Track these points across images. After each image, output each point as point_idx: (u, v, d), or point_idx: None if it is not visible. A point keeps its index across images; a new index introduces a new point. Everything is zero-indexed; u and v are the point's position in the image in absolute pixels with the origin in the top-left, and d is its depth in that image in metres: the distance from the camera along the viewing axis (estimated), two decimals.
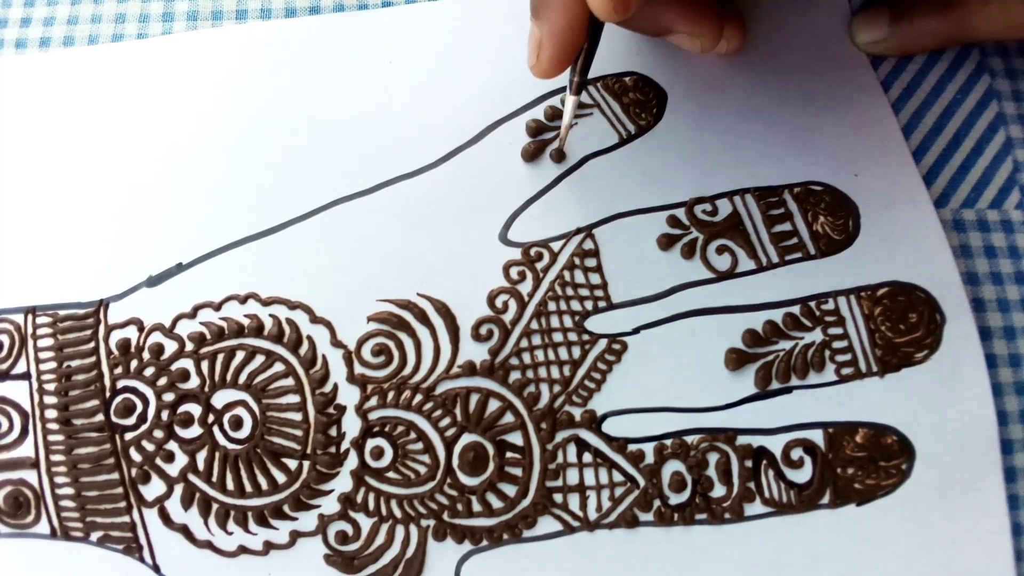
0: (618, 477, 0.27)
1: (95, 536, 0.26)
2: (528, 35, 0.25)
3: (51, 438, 0.26)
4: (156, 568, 0.26)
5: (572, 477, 0.27)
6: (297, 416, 0.26)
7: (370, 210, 0.28)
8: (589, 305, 0.27)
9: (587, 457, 0.27)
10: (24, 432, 0.26)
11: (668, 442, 0.27)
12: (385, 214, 0.28)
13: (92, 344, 0.27)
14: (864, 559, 0.26)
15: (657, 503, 0.26)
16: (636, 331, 0.27)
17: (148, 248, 0.28)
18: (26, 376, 0.27)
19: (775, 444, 0.27)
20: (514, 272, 0.28)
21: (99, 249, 0.28)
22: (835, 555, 0.26)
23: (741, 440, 0.27)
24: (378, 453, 0.26)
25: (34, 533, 0.26)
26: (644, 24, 0.28)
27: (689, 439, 0.27)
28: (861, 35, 0.30)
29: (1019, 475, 0.27)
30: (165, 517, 0.26)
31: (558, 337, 0.27)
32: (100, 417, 0.26)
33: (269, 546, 0.26)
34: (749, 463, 0.27)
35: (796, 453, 0.27)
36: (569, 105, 0.27)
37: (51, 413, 0.26)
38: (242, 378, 0.27)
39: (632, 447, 0.27)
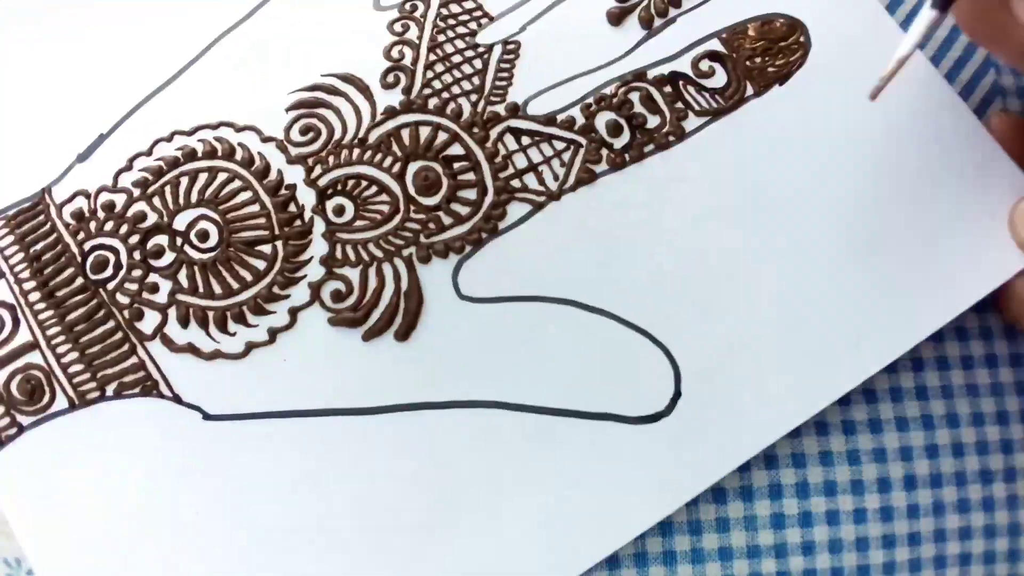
0: (560, 145, 0.28)
1: (111, 390, 0.27)
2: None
3: (41, 317, 0.27)
4: (177, 398, 0.27)
5: (520, 161, 0.28)
6: (255, 208, 0.28)
7: (252, 31, 0.30)
8: (474, 26, 0.29)
9: (525, 140, 0.28)
10: (16, 322, 0.27)
11: (589, 100, 0.28)
12: (267, 25, 0.30)
13: (48, 224, 0.28)
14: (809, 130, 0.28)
15: (604, 152, 0.28)
16: (523, 28, 0.29)
17: (68, 132, 0.29)
18: (1, 275, 0.28)
19: (682, 65, 0.29)
20: (398, 27, 0.30)
21: (25, 147, 0.29)
22: (786, 140, 0.27)
23: (652, 73, 0.29)
24: (339, 210, 0.28)
25: (54, 412, 0.27)
26: None
27: (606, 91, 0.29)
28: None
29: (1019, 475, 0.28)
30: (169, 342, 0.27)
31: (457, 59, 0.29)
32: (80, 280, 0.27)
33: (273, 332, 0.27)
34: (668, 88, 0.29)
35: (704, 64, 0.29)
36: (924, 21, 0.21)
37: (34, 296, 0.27)
38: (193, 197, 0.28)
39: (560, 116, 0.28)
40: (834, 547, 0.26)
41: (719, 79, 0.29)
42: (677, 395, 0.26)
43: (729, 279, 0.27)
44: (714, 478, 0.26)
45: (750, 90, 0.28)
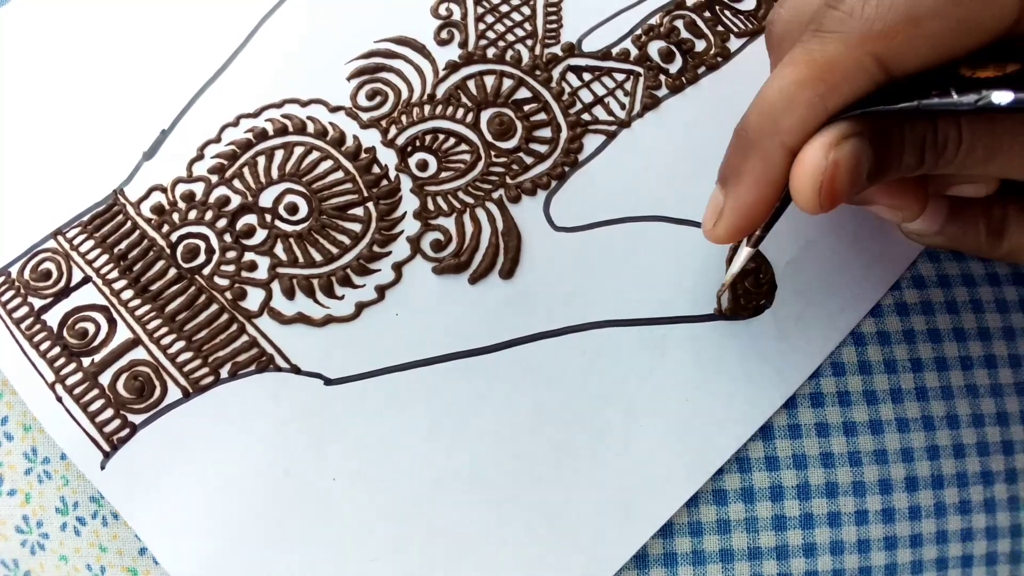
0: (620, 76, 0.30)
1: (225, 372, 0.26)
2: (711, 195, 0.24)
3: (139, 313, 0.27)
4: (295, 368, 0.26)
5: (586, 96, 0.29)
6: (339, 175, 0.28)
7: (295, 9, 0.30)
8: None
9: (586, 76, 0.30)
10: (112, 323, 0.27)
11: (638, 31, 0.30)
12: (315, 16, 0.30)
13: (129, 223, 0.28)
14: None
15: (663, 77, 0.30)
16: None
17: (130, 133, 0.29)
18: (86, 280, 0.27)
19: None
20: None
21: (88, 152, 0.28)
22: None
23: (691, 0, 0.30)
24: (423, 165, 0.28)
25: (168, 405, 0.26)
26: None
27: (652, 21, 0.30)
28: (909, 223, 0.26)
29: (1019, 476, 0.28)
30: (277, 316, 0.27)
31: (505, 8, 0.30)
32: (173, 271, 0.27)
33: (381, 289, 0.27)
34: (707, 14, 0.30)
35: None
36: (743, 256, 0.25)
37: (127, 294, 0.27)
38: (274, 174, 0.28)
39: (615, 50, 0.30)
40: (835, 549, 0.26)
41: (749, 2, 0.31)
42: (774, 286, 0.28)
43: None
44: (822, 356, 0.27)
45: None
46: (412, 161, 0.28)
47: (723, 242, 0.24)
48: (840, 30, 0.20)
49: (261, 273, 0.27)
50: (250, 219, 0.28)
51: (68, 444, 0.25)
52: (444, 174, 0.28)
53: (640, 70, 0.30)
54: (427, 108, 0.29)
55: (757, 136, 0.22)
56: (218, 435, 0.26)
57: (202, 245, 0.27)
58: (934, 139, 0.21)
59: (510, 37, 0.30)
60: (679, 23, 0.30)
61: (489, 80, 0.29)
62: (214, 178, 0.28)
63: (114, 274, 0.27)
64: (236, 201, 0.28)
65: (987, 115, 0.21)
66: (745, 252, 0.25)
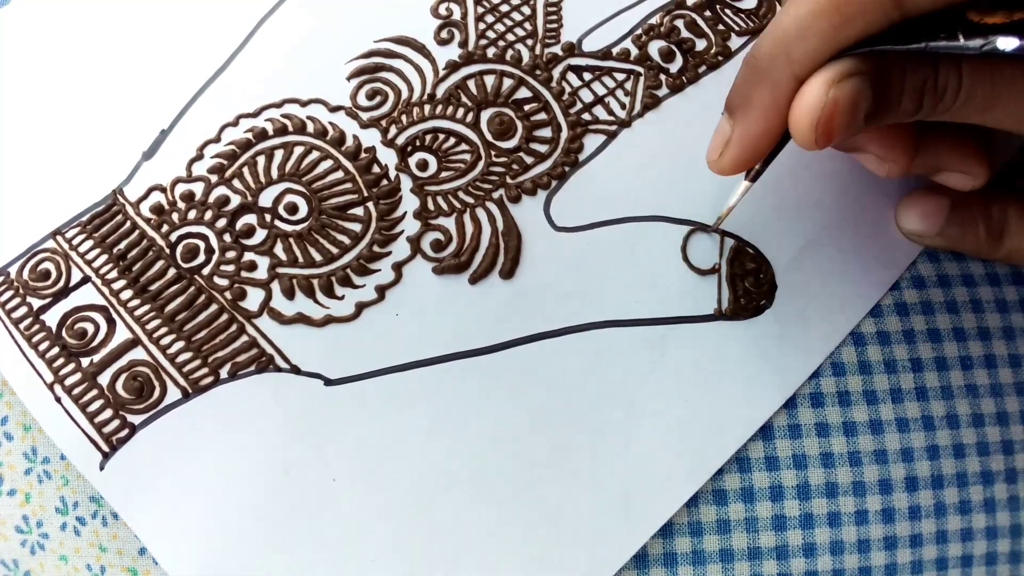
0: (620, 76, 0.30)
1: (225, 372, 0.26)
2: (717, 125, 0.24)
3: (138, 313, 0.27)
4: (295, 369, 0.26)
5: (586, 96, 0.29)
6: (339, 174, 0.28)
7: (294, 8, 0.30)
8: None
9: (587, 75, 0.30)
10: (111, 323, 0.26)
11: (639, 31, 0.30)
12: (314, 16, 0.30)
13: (128, 222, 0.27)
14: None
15: (663, 77, 0.29)
16: None
17: (129, 133, 0.29)
18: (86, 280, 0.27)
19: None
20: None
21: (87, 153, 0.28)
22: None
23: (691, 0, 0.30)
24: (423, 164, 0.28)
25: (167, 406, 0.26)
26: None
27: (652, 20, 0.30)
28: (908, 223, 0.27)
29: (1019, 476, 0.28)
30: (277, 316, 0.27)
31: (505, 7, 0.30)
32: (172, 271, 0.27)
33: (381, 289, 0.27)
34: (708, 13, 0.30)
35: None
36: (740, 190, 0.26)
37: (126, 294, 0.27)
38: (274, 174, 0.28)
39: (615, 50, 0.30)
40: (835, 549, 0.26)
41: (750, 0, 0.31)
42: (774, 287, 0.28)
43: (793, 176, 0.29)
44: (822, 356, 0.27)
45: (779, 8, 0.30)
46: (412, 161, 0.28)
47: (727, 173, 0.24)
48: None
49: (261, 273, 0.27)
50: (250, 219, 0.28)
51: (67, 445, 0.25)
52: (444, 174, 0.28)
53: (640, 70, 0.30)
54: (427, 108, 0.29)
55: (768, 64, 0.22)
56: (218, 436, 0.26)
57: (202, 245, 0.27)
58: (934, 84, 0.21)
59: (510, 37, 0.30)
60: (679, 22, 0.30)
61: (489, 80, 0.29)
62: (214, 178, 0.28)
63: (113, 274, 0.27)
64: (236, 201, 0.28)
65: (988, 64, 0.21)
66: (743, 186, 0.25)
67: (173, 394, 0.26)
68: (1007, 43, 0.19)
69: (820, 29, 0.20)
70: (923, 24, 0.20)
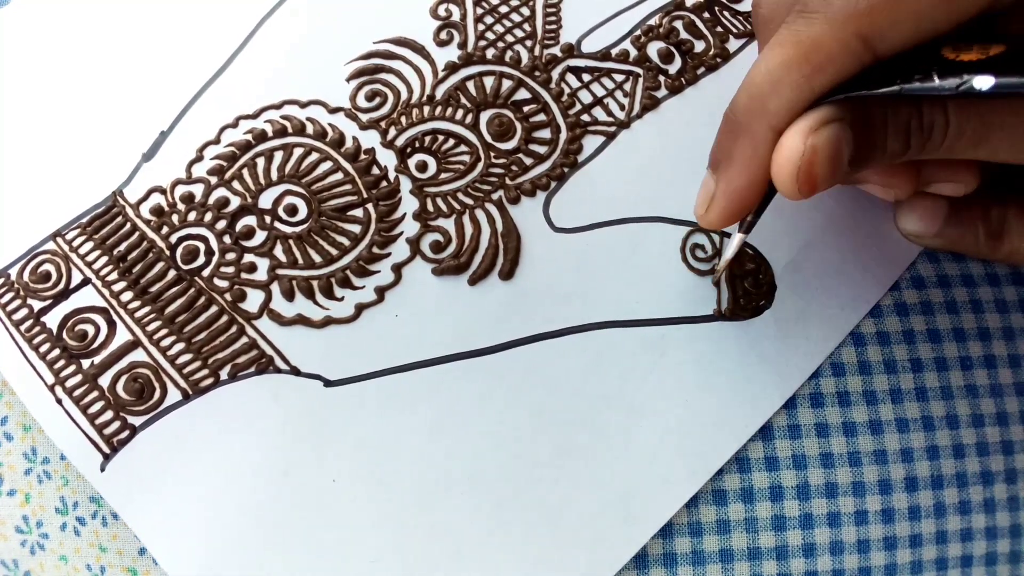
0: (619, 77, 0.30)
1: (225, 373, 0.26)
2: (701, 182, 0.24)
3: (138, 314, 0.27)
4: (295, 370, 0.26)
5: (585, 97, 0.29)
6: (339, 176, 0.28)
7: (294, 10, 0.30)
8: None
9: (586, 76, 0.30)
10: (112, 325, 0.27)
11: (637, 32, 0.30)
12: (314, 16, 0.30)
13: (128, 224, 0.28)
14: None
15: (662, 78, 0.30)
16: None
17: (128, 134, 0.29)
18: (86, 282, 0.27)
19: None
20: None
21: (86, 154, 0.28)
22: None
23: (689, 1, 0.30)
24: (422, 166, 0.28)
25: (167, 407, 0.26)
26: None
27: (651, 21, 0.30)
28: (907, 224, 0.27)
29: (1019, 476, 0.28)
30: (277, 317, 0.27)
31: (504, 9, 0.30)
32: (172, 273, 0.27)
33: (380, 291, 0.27)
34: (706, 14, 0.30)
35: None
36: (735, 243, 0.26)
37: (126, 296, 0.27)
38: (274, 175, 0.28)
39: (614, 51, 0.30)
40: (835, 549, 0.26)
41: (748, 3, 0.31)
42: (773, 287, 0.28)
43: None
44: (822, 356, 0.27)
45: None
46: (411, 162, 0.28)
47: (715, 227, 0.24)
48: (824, 10, 0.20)
49: (261, 275, 0.27)
50: (249, 220, 0.28)
51: (68, 446, 0.25)
52: (443, 175, 0.28)
53: (639, 71, 0.30)
54: (426, 109, 0.29)
55: (746, 119, 0.22)
56: (218, 437, 0.26)
57: (201, 247, 0.27)
58: (919, 124, 0.21)
59: (509, 38, 0.30)
60: (678, 24, 0.30)
61: (488, 81, 0.29)
62: (213, 179, 0.28)
63: (113, 276, 0.27)
64: (235, 202, 0.28)
65: (974, 101, 0.21)
66: (737, 239, 0.25)
67: (173, 395, 0.26)
68: (983, 82, 0.18)
69: (792, 81, 0.20)
70: (898, 65, 0.20)
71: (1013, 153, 0.21)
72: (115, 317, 0.27)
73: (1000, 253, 0.27)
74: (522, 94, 0.29)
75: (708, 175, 0.24)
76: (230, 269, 0.27)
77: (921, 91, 0.19)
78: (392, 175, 0.28)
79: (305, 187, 0.28)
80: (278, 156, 0.28)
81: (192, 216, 0.28)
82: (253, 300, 0.27)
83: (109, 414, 0.26)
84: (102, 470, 0.25)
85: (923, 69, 0.19)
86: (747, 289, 0.28)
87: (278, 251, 0.27)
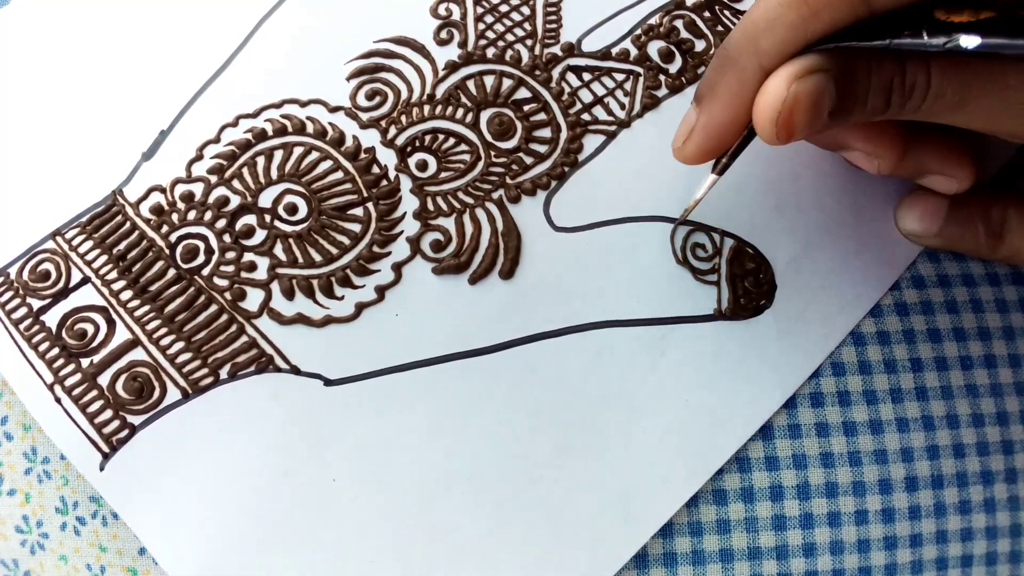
0: (619, 76, 0.30)
1: (224, 372, 0.26)
2: (683, 116, 0.24)
3: (138, 313, 0.27)
4: (295, 369, 0.26)
5: (586, 96, 0.29)
6: (339, 175, 0.28)
7: (294, 8, 0.30)
8: None
9: (586, 76, 0.30)
10: (111, 324, 0.27)
11: (638, 31, 0.30)
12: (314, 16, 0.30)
13: (128, 223, 0.27)
14: None
15: (663, 77, 0.29)
16: None
17: (128, 133, 0.29)
18: (85, 280, 0.27)
19: None
20: None
21: (86, 153, 0.28)
22: None
23: (690, 0, 0.30)
24: (422, 165, 0.28)
25: (167, 406, 0.26)
26: (819, 138, 0.26)
27: (652, 21, 0.30)
28: (907, 224, 0.27)
29: (1019, 476, 0.28)
30: (277, 316, 0.27)
31: (504, 8, 0.30)
32: (172, 271, 0.27)
33: (381, 290, 0.27)
34: (707, 13, 0.30)
35: None
36: (707, 183, 0.26)
37: (126, 295, 0.27)
38: (274, 174, 0.28)
39: (615, 50, 0.30)
40: (835, 549, 0.26)
41: (749, 1, 0.31)
42: (774, 287, 0.28)
43: (793, 175, 0.29)
44: (822, 356, 0.27)
45: None
46: (412, 161, 0.28)
47: (691, 162, 0.24)
48: None
49: (260, 274, 0.27)
50: (249, 219, 0.28)
51: (67, 445, 0.25)
52: (444, 174, 0.28)
53: (640, 70, 0.30)
54: (427, 108, 0.29)
55: (736, 54, 0.22)
56: (217, 436, 0.26)
57: (201, 245, 0.27)
58: (901, 82, 0.21)
59: (510, 37, 0.30)
60: (679, 23, 0.30)
61: (489, 80, 0.29)
62: (213, 178, 0.28)
63: (113, 275, 0.27)
64: (235, 201, 0.28)
65: (958, 63, 0.21)
66: (710, 179, 0.25)
67: (173, 395, 0.26)
68: (969, 41, 0.19)
69: (788, 20, 0.21)
70: (890, 21, 0.20)
71: (989, 120, 0.22)
72: (114, 316, 0.27)
73: (1000, 253, 0.27)
74: (522, 93, 0.29)
75: (691, 108, 0.24)
76: (230, 268, 0.27)
77: (909, 46, 0.20)
78: (392, 174, 0.28)
79: (305, 186, 0.28)
80: (278, 155, 0.28)
81: (192, 215, 0.28)
82: (253, 299, 0.27)
83: (108, 413, 0.26)
84: (101, 469, 0.25)
85: (913, 27, 0.20)
86: (747, 289, 0.28)
87: (278, 250, 0.27)
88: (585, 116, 0.29)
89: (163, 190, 0.28)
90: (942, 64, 0.21)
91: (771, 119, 0.21)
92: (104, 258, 0.27)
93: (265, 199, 0.28)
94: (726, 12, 0.31)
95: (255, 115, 0.29)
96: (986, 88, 0.21)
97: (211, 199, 0.28)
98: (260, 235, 0.27)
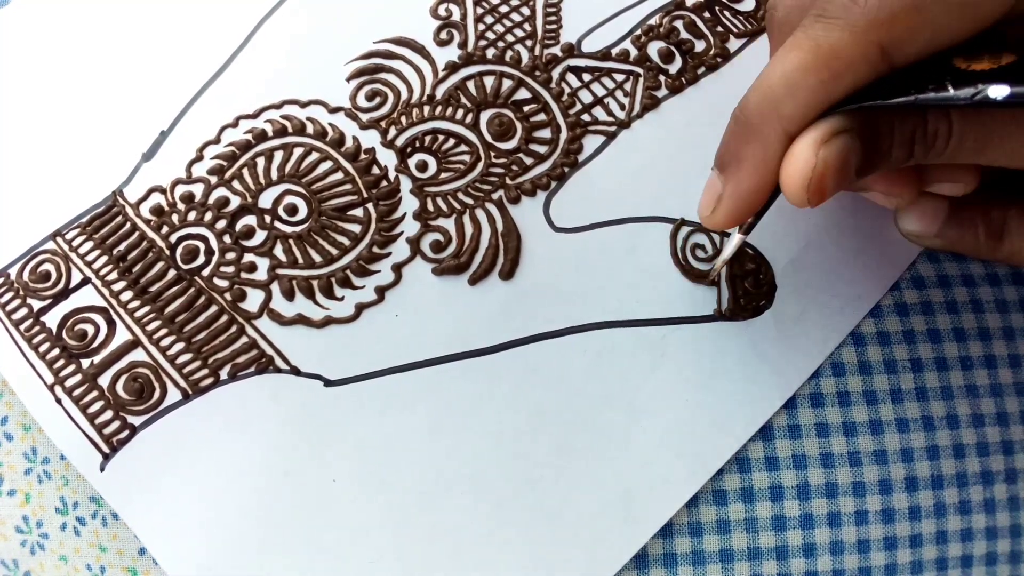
0: (619, 77, 0.30)
1: (225, 373, 0.26)
2: (707, 181, 0.24)
3: (138, 314, 0.27)
4: (295, 370, 0.26)
5: (585, 97, 0.29)
6: (339, 176, 0.28)
7: (293, 10, 0.30)
8: None
9: (586, 76, 0.30)
10: (111, 324, 0.27)
11: (638, 32, 0.30)
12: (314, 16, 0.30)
13: (128, 224, 0.27)
14: None
15: (662, 78, 0.29)
16: None
17: (128, 134, 0.29)
18: (86, 281, 0.27)
19: None
20: None
21: (86, 154, 0.28)
22: None
23: (690, 1, 0.30)
24: (422, 166, 0.28)
25: (168, 407, 0.26)
26: None
27: (652, 21, 0.30)
28: (907, 224, 0.27)
29: (1019, 476, 0.28)
30: (277, 317, 0.27)
31: (504, 8, 0.30)
32: (172, 272, 0.27)
33: (381, 291, 0.27)
34: (707, 14, 0.30)
35: None
36: (733, 243, 0.26)
37: (126, 295, 0.27)
38: (274, 175, 0.28)
39: (615, 51, 0.30)
40: (835, 549, 0.26)
41: (749, 3, 0.31)
42: (773, 287, 0.28)
43: None
44: (822, 356, 0.27)
45: None
46: (412, 162, 0.28)
47: (721, 228, 0.24)
48: (845, 16, 0.20)
49: (261, 274, 0.27)
50: (249, 220, 0.28)
51: (67, 446, 0.25)
52: (444, 175, 0.28)
53: (640, 71, 0.30)
54: (427, 109, 0.29)
55: (758, 121, 0.22)
56: (218, 437, 0.26)
57: (201, 246, 0.27)
58: (924, 132, 0.21)
59: (510, 38, 0.30)
60: (679, 23, 0.30)
61: (489, 81, 0.29)
62: (213, 179, 0.28)
63: (113, 275, 0.27)
64: (235, 202, 0.28)
65: (979, 109, 0.21)
66: (736, 239, 0.25)
67: (173, 395, 0.26)
68: (998, 91, 0.18)
69: (809, 86, 0.20)
70: (910, 74, 0.20)
71: (1012, 159, 0.22)
72: (115, 317, 0.27)
73: (1000, 253, 0.27)
74: (522, 94, 0.29)
75: (714, 176, 0.24)
76: (230, 269, 0.27)
77: (936, 101, 0.19)
78: (392, 175, 0.28)
79: (305, 187, 0.28)
80: (278, 156, 0.28)
81: (192, 216, 0.28)
82: (253, 300, 0.27)
83: (109, 414, 0.26)
84: (102, 470, 0.25)
85: (935, 78, 0.19)
86: (747, 289, 0.28)
87: (278, 251, 0.27)
88: (585, 117, 0.29)
89: (163, 191, 0.28)
90: (963, 111, 0.21)
91: (802, 186, 0.21)
92: (104, 259, 0.27)
93: (265, 200, 0.28)
94: (726, 12, 0.31)
95: (255, 116, 0.29)
96: (1008, 131, 0.21)
97: (211, 200, 0.28)
98: (260, 236, 0.27)
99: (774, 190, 0.23)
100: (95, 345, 0.26)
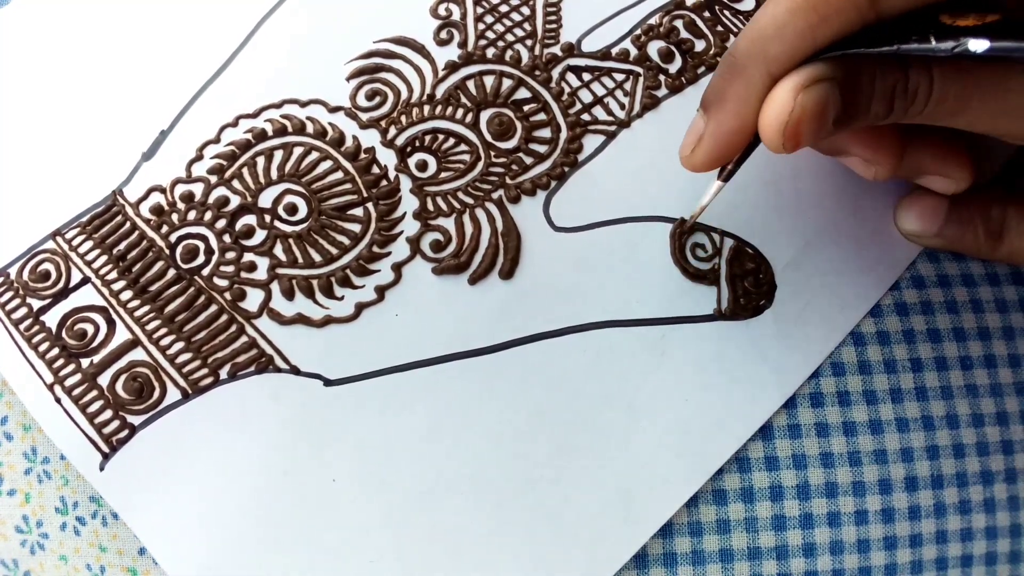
0: (619, 77, 0.30)
1: (224, 372, 0.26)
2: (691, 122, 0.24)
3: (138, 314, 0.27)
4: (295, 369, 0.26)
5: (585, 96, 0.29)
6: (339, 175, 0.28)
7: (294, 9, 0.30)
8: None
9: (586, 76, 0.30)
10: (111, 324, 0.27)
11: (638, 31, 0.30)
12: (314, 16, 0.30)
13: (128, 223, 0.27)
14: None
15: (662, 78, 0.29)
16: None
17: (128, 133, 0.29)
18: (85, 281, 0.27)
19: None
20: None
21: (86, 153, 0.28)
22: None
23: (690, 0, 0.30)
24: (422, 165, 0.28)
25: (167, 406, 0.26)
26: (819, 144, 0.26)
27: (652, 21, 0.30)
28: (907, 224, 0.27)
29: (1019, 476, 0.28)
30: (277, 316, 0.27)
31: (504, 8, 0.30)
32: (172, 272, 0.27)
33: (380, 290, 0.27)
34: (706, 13, 0.30)
35: None
36: (712, 190, 0.26)
37: (126, 295, 0.27)
38: (273, 174, 0.28)
39: (614, 50, 0.30)
40: (835, 549, 0.26)
41: (749, 2, 0.31)
42: (773, 287, 0.28)
43: (793, 175, 0.29)
44: (822, 356, 0.27)
45: None
46: (412, 161, 0.28)
47: (700, 169, 0.24)
48: None
49: (260, 274, 0.27)
50: (249, 220, 0.28)
51: (67, 445, 0.25)
52: (444, 174, 0.28)
53: (640, 70, 0.30)
54: (426, 108, 0.29)
55: (744, 61, 0.22)
56: (217, 436, 0.26)
57: (201, 246, 0.27)
58: (904, 87, 0.21)
59: (509, 37, 0.30)
60: (679, 23, 0.30)
61: (489, 80, 0.29)
62: (213, 179, 0.28)
63: (113, 275, 0.27)
64: (235, 202, 0.28)
65: (959, 67, 0.21)
66: (715, 186, 0.25)
67: (173, 395, 0.26)
68: (978, 45, 0.19)
69: (797, 27, 0.21)
70: (896, 27, 0.20)
71: (990, 123, 0.22)
72: (114, 316, 0.27)
73: (1000, 253, 0.27)
74: (522, 93, 0.29)
75: (698, 116, 0.24)
76: (230, 268, 0.27)
77: (917, 51, 0.20)
78: (392, 174, 0.28)
79: (305, 186, 0.28)
80: (278, 155, 0.28)
81: (192, 215, 0.28)
82: (253, 299, 0.27)
83: (108, 413, 0.26)
84: (101, 469, 0.25)
85: (920, 31, 0.20)
86: (747, 289, 0.28)
87: (278, 250, 0.27)
88: (585, 116, 0.29)
89: (163, 190, 0.28)
90: (944, 69, 0.21)
91: (778, 130, 0.21)
92: (104, 258, 0.27)
93: (265, 199, 0.28)
94: (726, 12, 0.31)
95: (255, 115, 0.29)
96: (988, 91, 0.21)
97: (211, 199, 0.28)
98: (260, 235, 0.27)
99: (755, 136, 0.23)
100: (95, 344, 0.26)
